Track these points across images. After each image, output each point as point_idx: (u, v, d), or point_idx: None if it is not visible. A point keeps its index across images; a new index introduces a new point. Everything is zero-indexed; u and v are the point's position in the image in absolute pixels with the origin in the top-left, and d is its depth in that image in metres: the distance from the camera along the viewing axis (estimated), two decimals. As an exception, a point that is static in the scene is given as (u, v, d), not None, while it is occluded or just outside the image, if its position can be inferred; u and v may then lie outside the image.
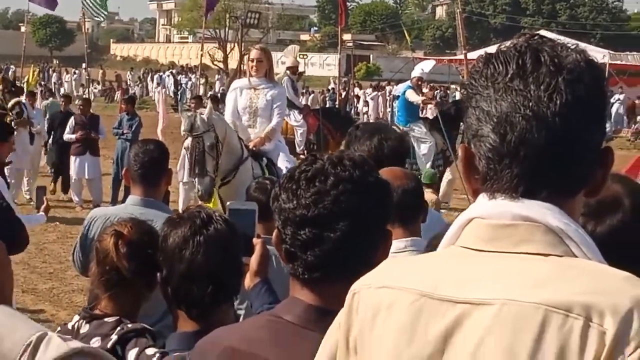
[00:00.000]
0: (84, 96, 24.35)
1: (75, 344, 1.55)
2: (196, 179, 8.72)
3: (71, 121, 16.25)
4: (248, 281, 3.04)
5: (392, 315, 1.53)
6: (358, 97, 42.65)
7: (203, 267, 2.84)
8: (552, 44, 1.52)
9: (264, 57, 9.36)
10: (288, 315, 2.14)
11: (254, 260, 3.00)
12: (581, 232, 1.48)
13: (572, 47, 1.53)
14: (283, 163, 9.18)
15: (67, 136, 16.13)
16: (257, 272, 3.02)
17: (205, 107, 9.57)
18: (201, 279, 2.84)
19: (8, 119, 13.33)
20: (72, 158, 16.06)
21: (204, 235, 2.86)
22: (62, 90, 44.40)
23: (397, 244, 3.40)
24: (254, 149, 9.12)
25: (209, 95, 21.45)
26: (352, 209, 2.10)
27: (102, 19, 31.18)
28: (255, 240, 3.00)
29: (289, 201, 2.14)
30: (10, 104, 14.94)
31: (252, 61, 9.33)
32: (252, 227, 3.05)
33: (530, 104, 1.47)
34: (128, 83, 53.42)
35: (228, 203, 3.26)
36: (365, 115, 38.58)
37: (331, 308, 1.73)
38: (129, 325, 3.15)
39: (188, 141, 8.85)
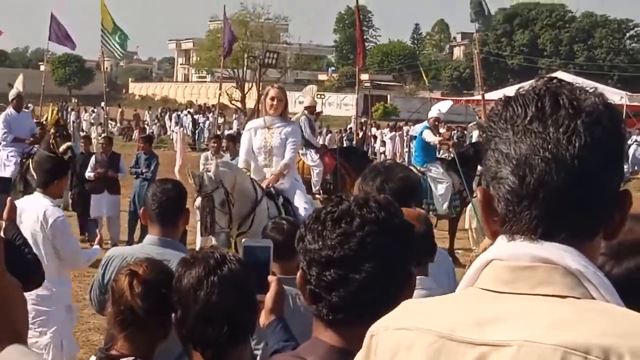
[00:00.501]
0: (104, 135, 24.47)
1: None
2: (211, 237, 8.73)
3: (92, 160, 16.33)
4: (263, 319, 3.03)
5: (410, 357, 1.52)
6: (375, 137, 42.72)
7: (218, 307, 2.84)
8: (571, 87, 1.53)
9: (283, 95, 9.42)
10: (311, 357, 2.15)
11: (269, 298, 2.98)
12: (599, 274, 1.48)
13: (591, 90, 1.54)
14: (300, 202, 9.17)
15: (88, 174, 16.19)
16: (273, 310, 3.00)
17: (223, 149, 9.59)
18: (216, 320, 2.84)
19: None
20: (92, 197, 16.09)
21: (218, 276, 2.86)
22: (81, 129, 44.62)
23: None
24: (269, 187, 9.11)
25: (226, 134, 21.42)
26: (377, 250, 2.11)
27: (119, 58, 31.42)
28: (270, 278, 2.99)
29: (314, 242, 2.15)
30: (62, 148, 14.86)
31: (272, 99, 9.34)
32: (267, 265, 3.03)
33: (550, 146, 1.47)
34: (146, 122, 53.65)
35: (243, 240, 3.27)
36: (383, 155, 38.61)
37: (354, 349, 1.73)
38: None
39: (198, 201, 8.82)
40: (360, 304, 2.10)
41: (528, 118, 1.51)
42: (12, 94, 16.84)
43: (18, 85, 17.57)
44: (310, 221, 2.20)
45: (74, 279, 12.89)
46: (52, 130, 15.51)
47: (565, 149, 1.47)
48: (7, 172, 14.90)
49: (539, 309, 1.43)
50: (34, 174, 7.65)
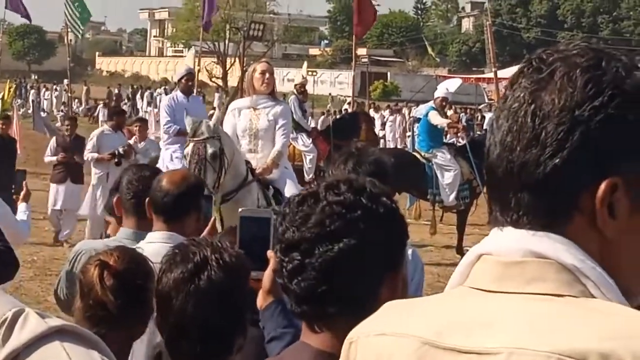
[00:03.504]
0: (69, 115, 24.31)
1: (55, 321, 1.57)
2: None
3: (52, 143, 16.24)
4: (261, 300, 2.96)
5: None
6: (373, 119, 42.69)
7: (193, 319, 2.82)
8: (550, 54, 1.52)
9: (273, 70, 9.44)
10: None
11: (267, 277, 2.89)
12: (598, 269, 1.46)
13: (579, 58, 1.50)
14: (292, 193, 9.15)
15: (48, 158, 16.10)
16: (271, 290, 2.95)
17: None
18: (192, 332, 2.82)
19: None
20: (52, 186, 16.02)
21: (194, 284, 2.82)
22: (42, 109, 44.50)
23: None
24: (260, 178, 9.09)
25: (209, 114, 21.39)
26: (338, 234, 2.12)
27: (78, 34, 31.18)
28: (269, 254, 2.98)
29: (280, 225, 2.20)
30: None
31: (263, 74, 9.34)
32: (266, 238, 2.97)
33: (499, 120, 1.51)
34: (123, 101, 53.41)
35: (240, 210, 3.17)
36: (383, 140, 38.65)
37: (339, 353, 1.75)
38: None
39: (188, 148, 8.74)
40: (323, 294, 2.12)
41: (506, 91, 1.54)
42: (179, 72, 14.71)
43: (188, 61, 16.84)
44: (283, 205, 2.27)
45: (34, 278, 12.94)
46: None
47: (505, 122, 1.49)
48: None
49: (531, 310, 1.43)
50: None
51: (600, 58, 1.50)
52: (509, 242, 1.50)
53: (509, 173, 1.49)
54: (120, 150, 14.63)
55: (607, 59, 1.50)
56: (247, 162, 9.02)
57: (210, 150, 8.48)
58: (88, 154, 15.02)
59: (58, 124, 40.42)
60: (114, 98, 52.67)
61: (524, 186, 1.48)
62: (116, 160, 14.33)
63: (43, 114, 34.97)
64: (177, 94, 14.00)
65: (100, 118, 42.52)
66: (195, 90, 15.13)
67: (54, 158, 15.96)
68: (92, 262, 3.31)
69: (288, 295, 2.20)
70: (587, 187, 1.46)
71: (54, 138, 16.52)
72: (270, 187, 9.16)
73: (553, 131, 1.45)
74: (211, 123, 8.74)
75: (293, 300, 2.17)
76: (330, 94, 62.29)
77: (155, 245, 4.14)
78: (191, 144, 8.66)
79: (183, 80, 14.02)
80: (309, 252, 2.12)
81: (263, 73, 9.35)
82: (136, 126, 16.03)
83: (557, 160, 1.45)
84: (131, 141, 15.42)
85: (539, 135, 1.46)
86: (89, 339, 1.60)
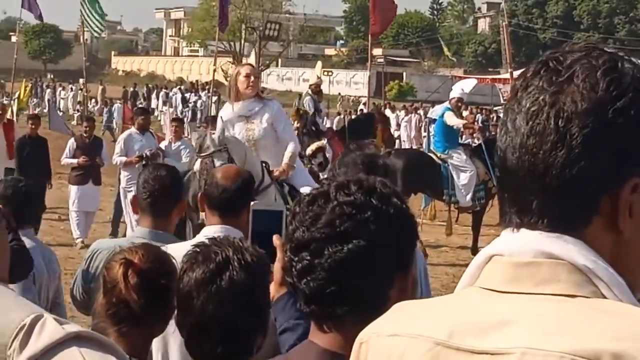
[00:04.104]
0: (85, 115, 24.29)
1: (72, 327, 1.57)
2: None
3: (71, 144, 16.18)
4: (273, 291, 2.99)
5: None
6: (389, 119, 42.59)
7: (214, 319, 2.82)
8: (567, 56, 1.51)
9: (257, 72, 9.33)
10: None
11: (277, 268, 2.92)
12: (610, 270, 1.46)
13: (594, 60, 1.50)
14: (307, 188, 9.07)
15: (67, 160, 15.97)
16: (283, 282, 2.94)
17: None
18: (213, 333, 2.82)
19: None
20: (73, 188, 15.91)
21: (216, 285, 2.82)
22: (58, 108, 44.60)
23: None
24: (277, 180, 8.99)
25: (205, 117, 21.33)
26: (348, 234, 2.12)
27: (97, 35, 31.33)
28: (276, 242, 2.97)
29: (290, 224, 2.20)
30: (313, 148, 14.02)
31: (248, 77, 9.15)
32: (279, 231, 2.99)
33: (516, 121, 1.50)
34: (139, 100, 53.53)
35: (252, 203, 3.17)
36: (398, 141, 38.62)
37: (348, 354, 1.75)
38: None
39: (196, 165, 8.70)
40: (333, 294, 2.12)
41: (515, 90, 1.53)
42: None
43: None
44: (294, 204, 2.26)
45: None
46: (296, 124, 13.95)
47: (525, 125, 1.48)
48: None
49: (543, 310, 1.43)
50: None
51: (615, 60, 1.50)
52: (520, 243, 1.50)
53: (531, 175, 1.48)
54: (148, 152, 14.55)
55: (621, 61, 1.51)
56: (263, 162, 8.95)
57: (217, 164, 8.26)
58: (116, 158, 15.03)
59: (74, 123, 40.59)
60: (130, 97, 52.78)
61: (546, 188, 1.47)
62: (144, 163, 14.18)
63: (60, 114, 35.04)
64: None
65: (115, 117, 42.54)
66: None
67: (74, 160, 15.80)
68: (117, 259, 3.30)
69: (297, 294, 2.20)
70: (610, 189, 1.47)
71: (72, 139, 16.46)
72: (285, 184, 9.12)
73: (578, 133, 1.45)
74: (215, 136, 8.58)
75: (302, 300, 2.17)
76: (339, 93, 61.90)
77: None
78: (198, 160, 8.65)
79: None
80: (318, 252, 2.12)
81: (248, 76, 9.16)
82: (172, 126, 15.80)
83: (583, 163, 1.45)
84: (165, 142, 15.39)
85: (564, 137, 1.45)
86: (106, 345, 1.61)
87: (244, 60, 61.96)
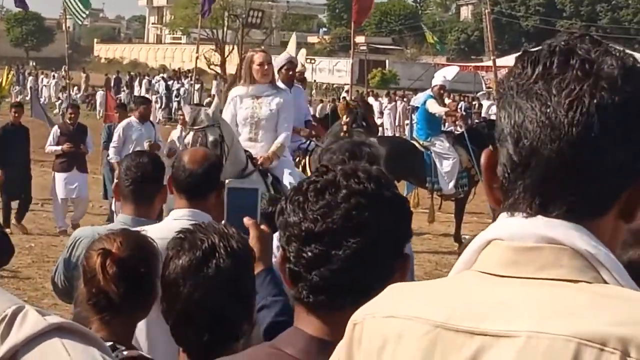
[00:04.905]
0: (69, 102, 24.15)
1: (54, 319, 1.57)
2: None
3: (55, 131, 16.13)
4: None
5: (401, 348, 1.51)
6: (372, 107, 42.59)
7: (201, 307, 2.82)
8: (590, 46, 1.52)
9: (271, 59, 9.44)
10: (289, 348, 2.16)
11: (252, 245, 2.95)
12: (612, 256, 1.47)
13: (614, 51, 1.53)
14: (290, 180, 9.13)
15: (51, 148, 15.99)
16: (260, 259, 2.96)
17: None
18: (199, 320, 2.83)
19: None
20: (57, 175, 15.93)
21: (202, 273, 2.82)
22: (40, 96, 44.41)
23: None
24: (260, 167, 9.09)
25: (205, 102, 21.22)
26: (364, 225, 2.11)
27: (81, 21, 31.15)
28: (246, 222, 2.92)
29: (294, 215, 2.15)
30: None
31: (262, 65, 9.33)
32: (253, 210, 3.01)
33: (548, 110, 1.48)
34: (122, 87, 53.35)
35: (227, 181, 3.18)
36: (381, 127, 38.66)
37: (337, 340, 1.74)
38: (125, 353, 3.16)
39: (189, 137, 8.76)
40: (344, 284, 2.10)
41: (533, 77, 1.52)
42: (279, 61, 11.99)
43: (290, 49, 15.65)
44: (292, 193, 2.21)
45: (31, 265, 12.96)
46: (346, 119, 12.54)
47: (564, 115, 1.47)
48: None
49: (546, 294, 1.43)
50: None
51: (629, 54, 1.54)
52: (521, 228, 1.50)
53: (563, 164, 1.48)
54: (146, 145, 14.12)
55: (633, 56, 1.55)
56: (246, 151, 9.01)
57: (210, 138, 8.49)
58: (48, 147, 15.08)
59: (56, 112, 40.45)
60: (113, 85, 52.61)
61: (577, 177, 1.48)
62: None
63: (42, 101, 34.90)
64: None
65: (98, 105, 42.44)
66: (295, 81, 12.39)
67: (58, 148, 15.81)
68: (95, 248, 3.29)
69: (298, 284, 2.16)
70: (636, 179, 1.50)
71: (55, 126, 16.40)
72: (269, 174, 9.15)
73: (616, 124, 1.47)
74: (210, 111, 8.71)
75: (308, 290, 2.14)
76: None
77: (181, 222, 4.15)
78: (191, 133, 8.69)
79: (283, 70, 11.81)
80: (334, 243, 2.10)
81: (262, 64, 9.33)
82: (182, 116, 15.33)
83: (618, 153, 1.47)
84: (176, 133, 15.17)
85: (604, 127, 1.46)
86: (88, 336, 1.60)
87: (226, 48, 61.93)
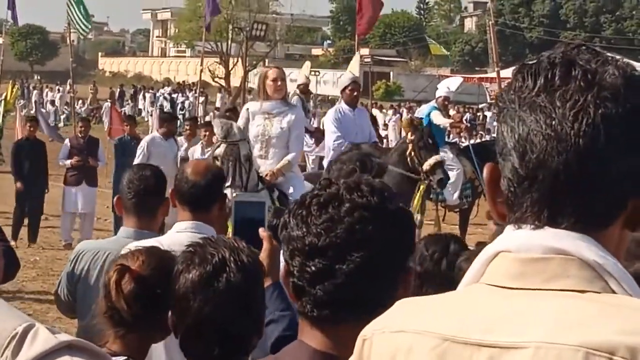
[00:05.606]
0: (80, 116, 24.17)
1: (64, 337, 1.57)
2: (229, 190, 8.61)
3: (66, 144, 16.08)
4: None
5: None
6: (376, 119, 42.59)
7: (211, 321, 2.81)
8: (589, 57, 1.53)
9: (284, 75, 9.51)
10: None
11: (262, 259, 2.95)
12: (620, 266, 1.48)
13: (613, 60, 1.53)
14: (297, 195, 9.09)
15: (62, 162, 15.97)
16: (268, 273, 2.95)
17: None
18: (209, 334, 2.82)
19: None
20: (67, 189, 15.90)
21: (213, 287, 2.81)
22: (47, 109, 44.46)
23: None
24: (266, 182, 9.13)
25: (225, 109, 21.03)
26: (368, 239, 2.11)
27: (83, 35, 31.22)
28: (262, 233, 2.92)
29: (298, 229, 2.15)
30: (431, 162, 12.16)
31: (275, 81, 9.40)
32: (261, 223, 3.00)
33: (553, 122, 1.48)
34: (126, 100, 53.45)
35: (234, 194, 3.18)
36: (386, 140, 38.62)
37: (342, 355, 1.73)
38: None
39: (220, 149, 8.74)
40: (348, 299, 2.10)
41: (535, 89, 1.51)
42: (343, 82, 12.92)
43: (353, 68, 15.89)
44: (295, 206, 2.21)
45: (36, 279, 12.95)
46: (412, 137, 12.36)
47: (570, 127, 1.47)
48: None
49: (555, 305, 1.43)
50: None
51: (627, 62, 1.54)
52: (528, 239, 1.50)
53: (569, 175, 1.48)
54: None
55: (631, 65, 1.55)
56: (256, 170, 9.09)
57: (243, 152, 8.60)
58: (60, 160, 15.11)
59: (61, 125, 40.49)
60: (117, 98, 52.69)
61: (584, 188, 1.48)
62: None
63: (43, 111, 34.92)
64: (342, 106, 12.56)
65: (104, 117, 42.48)
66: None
67: (67, 162, 15.81)
68: (117, 262, 3.26)
69: (302, 298, 2.16)
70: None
71: (67, 140, 16.39)
72: (275, 189, 9.19)
73: (622, 135, 1.47)
74: (241, 125, 8.89)
75: (312, 305, 2.14)
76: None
77: (184, 234, 4.16)
78: (223, 145, 8.71)
79: (347, 91, 12.40)
80: (338, 257, 2.10)
81: (275, 80, 9.42)
82: (205, 130, 14.90)
83: (624, 164, 1.48)
84: (198, 148, 15.06)
85: (609, 138, 1.47)
86: (98, 354, 1.60)
87: (230, 61, 62.00)
